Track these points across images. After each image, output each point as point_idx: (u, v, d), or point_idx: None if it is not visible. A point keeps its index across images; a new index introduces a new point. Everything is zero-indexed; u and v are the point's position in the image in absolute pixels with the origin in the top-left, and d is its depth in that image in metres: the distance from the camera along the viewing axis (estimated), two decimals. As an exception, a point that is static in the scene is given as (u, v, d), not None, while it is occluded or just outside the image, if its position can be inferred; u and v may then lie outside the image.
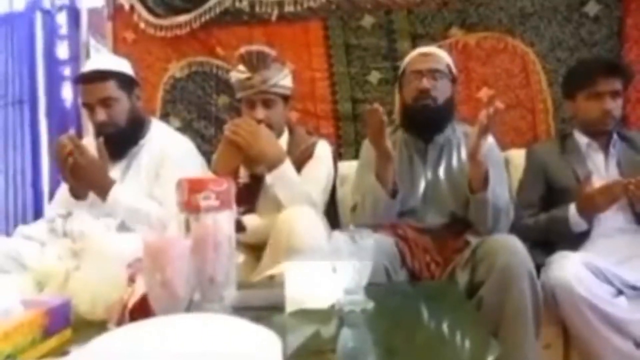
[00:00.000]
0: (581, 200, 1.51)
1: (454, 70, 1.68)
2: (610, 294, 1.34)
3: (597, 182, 1.52)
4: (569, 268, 1.32)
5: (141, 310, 0.84)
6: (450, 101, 1.64)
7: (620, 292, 1.36)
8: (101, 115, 1.66)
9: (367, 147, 1.62)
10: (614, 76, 1.63)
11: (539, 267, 1.34)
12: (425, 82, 1.57)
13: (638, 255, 1.48)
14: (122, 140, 1.71)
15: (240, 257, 1.51)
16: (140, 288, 0.86)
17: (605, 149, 1.67)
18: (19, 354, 0.74)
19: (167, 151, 1.72)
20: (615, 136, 1.67)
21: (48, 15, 2.44)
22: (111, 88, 1.67)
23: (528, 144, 1.94)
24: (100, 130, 1.68)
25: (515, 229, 1.51)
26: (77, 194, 1.65)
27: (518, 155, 1.88)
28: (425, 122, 1.60)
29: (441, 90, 1.59)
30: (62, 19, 2.44)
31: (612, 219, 1.54)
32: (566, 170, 1.65)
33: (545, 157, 1.72)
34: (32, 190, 2.44)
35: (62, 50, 2.44)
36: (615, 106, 1.63)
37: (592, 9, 2.05)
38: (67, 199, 1.66)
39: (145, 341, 0.67)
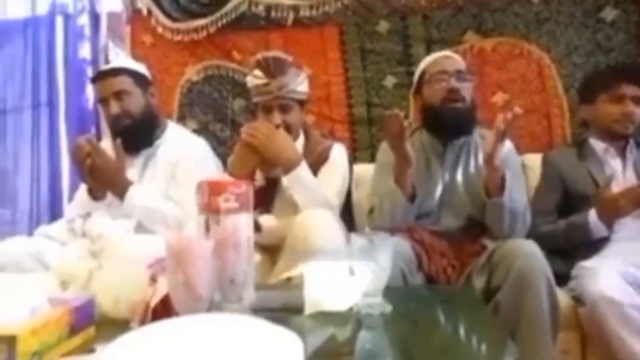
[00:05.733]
0: (602, 205, 1.50)
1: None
2: None
3: (615, 187, 1.51)
4: (609, 281, 1.29)
5: (163, 309, 0.85)
6: (474, 104, 1.64)
7: None
8: (115, 107, 1.70)
9: (384, 150, 1.63)
10: (637, 82, 1.65)
11: (558, 275, 1.32)
12: (454, 82, 1.57)
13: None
14: (137, 134, 1.74)
15: (256, 258, 1.53)
16: (162, 288, 0.87)
17: (622, 154, 1.66)
18: (45, 351, 0.75)
19: (184, 153, 1.75)
20: (631, 142, 1.67)
21: (69, 19, 2.48)
22: (125, 82, 1.72)
23: (543, 149, 1.94)
24: (115, 124, 1.72)
25: (533, 236, 1.47)
26: (95, 194, 1.67)
27: (534, 160, 1.88)
28: (455, 124, 1.59)
29: (467, 92, 1.60)
30: (82, 22, 2.47)
31: (632, 223, 1.53)
32: (584, 176, 1.64)
33: (562, 164, 1.71)
34: (50, 192, 2.47)
35: (84, 51, 2.48)
36: (635, 111, 1.64)
37: (609, 14, 2.04)
38: (85, 200, 1.68)
39: (168, 341, 0.69)
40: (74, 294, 0.93)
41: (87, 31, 2.47)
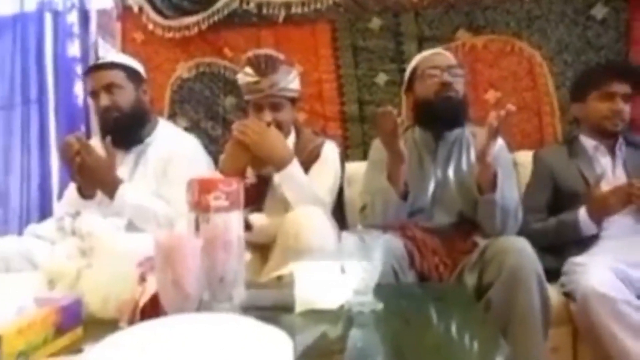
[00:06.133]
0: (592, 203, 1.51)
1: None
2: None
3: (604, 185, 1.52)
4: (601, 277, 1.30)
5: (152, 309, 0.84)
6: (466, 97, 1.66)
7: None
8: (105, 99, 1.69)
9: (376, 147, 1.63)
10: (628, 80, 1.66)
11: (548, 272, 1.32)
12: (447, 76, 1.58)
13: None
14: (126, 129, 1.72)
15: (247, 256, 1.52)
16: (151, 287, 0.86)
17: (612, 152, 1.67)
18: (31, 351, 0.74)
19: (175, 150, 1.74)
20: (621, 139, 1.68)
21: (58, 15, 2.45)
22: (116, 76, 1.72)
23: (534, 146, 1.96)
24: (104, 117, 1.70)
25: (524, 234, 1.47)
26: (85, 193, 1.66)
27: (525, 157, 1.89)
28: (449, 115, 1.60)
29: (460, 86, 1.61)
30: (72, 19, 2.45)
31: (622, 221, 1.54)
32: (574, 174, 1.65)
33: (553, 162, 1.72)
34: (40, 190, 2.45)
35: (74, 49, 2.45)
36: (625, 109, 1.64)
37: (599, 12, 2.05)
38: (75, 198, 1.67)
39: (157, 341, 0.68)
40: (61, 293, 0.92)
41: (77, 28, 2.44)
